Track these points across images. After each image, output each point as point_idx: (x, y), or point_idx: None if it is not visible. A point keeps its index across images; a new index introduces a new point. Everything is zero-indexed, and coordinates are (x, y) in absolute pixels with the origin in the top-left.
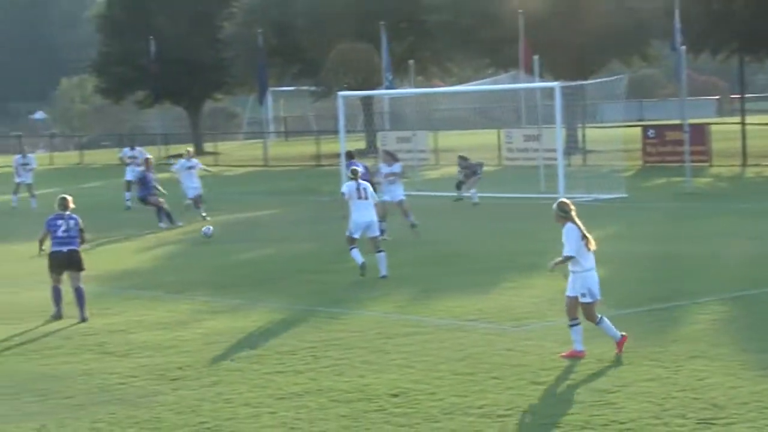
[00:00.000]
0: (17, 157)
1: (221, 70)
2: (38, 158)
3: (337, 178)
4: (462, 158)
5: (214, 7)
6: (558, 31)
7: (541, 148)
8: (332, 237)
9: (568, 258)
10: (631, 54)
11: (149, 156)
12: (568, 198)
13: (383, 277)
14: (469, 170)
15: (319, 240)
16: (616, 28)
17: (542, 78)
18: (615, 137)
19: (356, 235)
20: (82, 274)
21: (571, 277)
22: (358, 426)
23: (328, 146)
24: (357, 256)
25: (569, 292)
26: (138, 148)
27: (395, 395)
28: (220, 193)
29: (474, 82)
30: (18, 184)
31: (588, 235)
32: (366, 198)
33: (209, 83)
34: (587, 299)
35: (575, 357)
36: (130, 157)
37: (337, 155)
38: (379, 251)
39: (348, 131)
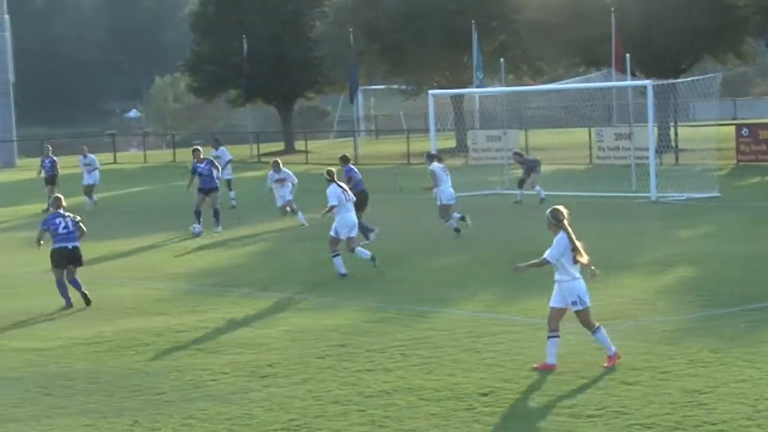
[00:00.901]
0: (80, 158)
1: (312, 68)
2: (132, 156)
3: (427, 178)
4: (517, 155)
5: (305, 6)
6: (650, 28)
7: (632, 147)
8: (422, 236)
9: (544, 262)
10: (725, 52)
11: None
12: (660, 197)
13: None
14: (526, 166)
15: (409, 238)
16: (710, 26)
17: (634, 76)
18: (708, 136)
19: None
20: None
21: (556, 288)
22: (447, 425)
23: (418, 144)
24: (363, 252)
25: (553, 303)
26: (222, 148)
27: (485, 394)
28: (311, 191)
29: (565, 81)
30: (85, 187)
31: (579, 247)
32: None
33: (300, 82)
34: (579, 307)
35: (547, 369)
36: (215, 157)
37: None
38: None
39: (438, 130)
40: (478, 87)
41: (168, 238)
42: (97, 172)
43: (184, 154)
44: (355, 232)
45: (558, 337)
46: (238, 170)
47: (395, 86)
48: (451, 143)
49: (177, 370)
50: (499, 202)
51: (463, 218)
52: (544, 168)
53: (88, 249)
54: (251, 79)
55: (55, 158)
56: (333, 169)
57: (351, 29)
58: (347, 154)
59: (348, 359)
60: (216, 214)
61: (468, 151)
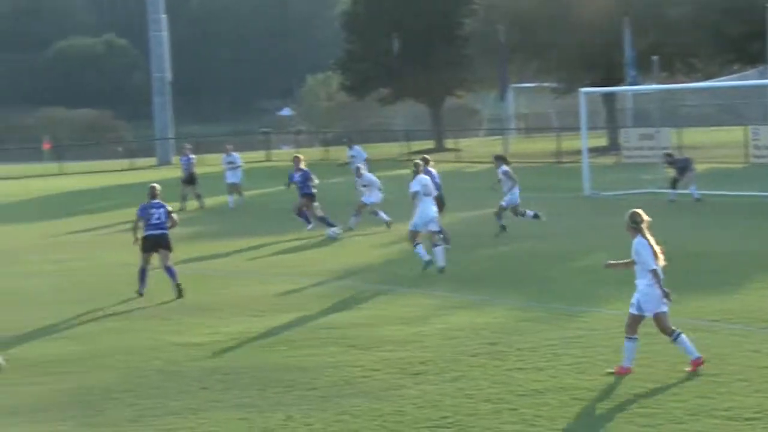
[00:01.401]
0: (223, 156)
1: (462, 66)
2: (285, 154)
3: (578, 175)
4: (668, 155)
5: (455, 4)
6: None
7: None
8: (573, 234)
9: (654, 272)
10: None
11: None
12: None
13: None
14: (679, 166)
15: (561, 237)
16: None
17: None
18: None
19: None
20: (171, 254)
21: (637, 291)
22: (599, 425)
23: (569, 143)
24: (421, 252)
25: (645, 312)
26: (356, 147)
27: (638, 394)
28: (461, 189)
29: (720, 78)
30: (229, 185)
31: (657, 249)
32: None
33: (451, 80)
34: (633, 310)
35: (624, 373)
36: (350, 157)
37: (578, 152)
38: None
39: (589, 128)
40: (630, 85)
41: (319, 234)
42: (240, 170)
43: (337, 152)
44: (434, 226)
45: (681, 333)
46: (386, 167)
47: (546, 84)
48: (603, 141)
49: (330, 366)
50: (653, 201)
51: (536, 216)
52: (698, 166)
53: (241, 245)
54: (401, 77)
55: (192, 157)
56: (420, 161)
57: (501, 26)
58: (426, 156)
59: (499, 358)
60: (302, 214)
61: (620, 150)
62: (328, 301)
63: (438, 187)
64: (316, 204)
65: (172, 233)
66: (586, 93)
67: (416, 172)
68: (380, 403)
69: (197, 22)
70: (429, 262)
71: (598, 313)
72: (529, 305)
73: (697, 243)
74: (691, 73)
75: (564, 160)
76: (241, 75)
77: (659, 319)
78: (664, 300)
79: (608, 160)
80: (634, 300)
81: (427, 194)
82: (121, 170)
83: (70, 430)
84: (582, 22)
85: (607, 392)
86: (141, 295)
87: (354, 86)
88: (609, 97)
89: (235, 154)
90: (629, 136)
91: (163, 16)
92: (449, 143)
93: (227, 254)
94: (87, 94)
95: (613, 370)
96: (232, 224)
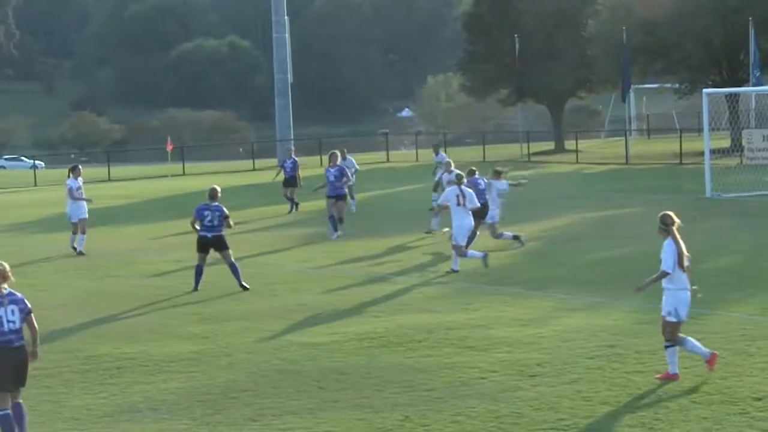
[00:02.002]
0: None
1: (585, 67)
2: (404, 155)
3: (700, 177)
4: None
5: (579, 5)
6: None
7: None
8: (694, 236)
9: (665, 274)
10: None
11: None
12: None
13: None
14: None
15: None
16: None
17: None
18: None
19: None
20: (230, 251)
21: (664, 295)
22: (719, 429)
23: (691, 144)
24: (475, 254)
25: (663, 312)
26: (441, 153)
27: (758, 399)
28: (581, 190)
29: None
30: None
31: (685, 252)
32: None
33: (572, 81)
34: (672, 318)
35: (669, 379)
36: (437, 163)
37: (700, 153)
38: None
39: (712, 129)
40: (754, 85)
41: (441, 235)
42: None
43: (455, 153)
44: (470, 234)
45: (688, 338)
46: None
47: (668, 85)
48: (725, 143)
49: (447, 367)
50: None
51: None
52: None
53: (362, 246)
54: (523, 77)
55: (297, 159)
56: (462, 173)
57: (624, 27)
58: (473, 168)
59: (617, 360)
60: (340, 220)
61: (743, 151)
62: (445, 303)
63: (482, 195)
64: (342, 204)
65: (294, 232)
66: (709, 94)
67: (458, 183)
68: (497, 405)
69: (319, 23)
70: (485, 256)
71: (719, 316)
72: (649, 307)
73: None
74: None
75: (686, 161)
76: (362, 76)
77: (670, 324)
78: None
79: (731, 161)
80: (670, 308)
81: (458, 205)
82: (243, 171)
83: (189, 429)
84: (706, 22)
85: (727, 396)
86: (196, 290)
87: (475, 87)
88: (732, 98)
89: (351, 158)
90: (752, 137)
91: (286, 18)
92: (569, 144)
93: (348, 255)
94: (210, 96)
95: (659, 376)
96: (353, 225)
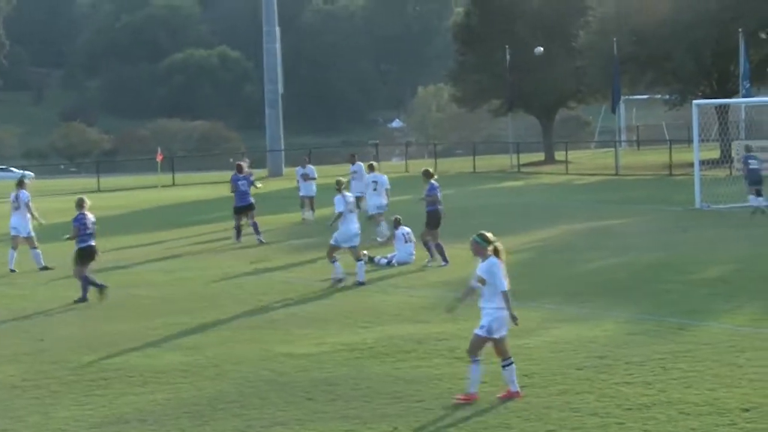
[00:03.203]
0: (298, 168)
1: (575, 78)
2: (394, 166)
3: (689, 188)
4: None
5: (570, 16)
6: None
7: None
8: (684, 247)
9: (506, 294)
10: None
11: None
12: None
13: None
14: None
15: (670, 250)
16: None
17: None
18: None
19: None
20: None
21: (482, 313)
22: None
23: (680, 155)
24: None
25: (494, 334)
26: (358, 163)
27: (747, 410)
28: (571, 201)
29: None
30: (302, 198)
31: (506, 274)
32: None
33: (563, 91)
34: (481, 332)
35: (512, 397)
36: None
37: (690, 164)
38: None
39: (701, 140)
40: (744, 96)
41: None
42: (313, 183)
43: (445, 164)
44: (356, 241)
45: (512, 363)
46: (496, 179)
47: (658, 96)
48: (715, 154)
49: (436, 378)
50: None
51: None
52: None
53: (345, 256)
54: (514, 88)
55: (251, 173)
56: (342, 179)
57: (615, 38)
58: (429, 169)
59: (606, 371)
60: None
61: (732, 162)
62: (434, 313)
63: (439, 201)
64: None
65: (282, 243)
66: (699, 105)
67: (338, 189)
68: (485, 416)
69: (310, 34)
70: (340, 281)
71: (708, 326)
72: (638, 318)
73: None
74: None
75: (675, 172)
76: (352, 86)
77: (503, 341)
78: (513, 323)
79: (720, 172)
80: (484, 322)
81: (350, 211)
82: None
83: None
84: (696, 33)
85: (715, 407)
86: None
87: (465, 97)
88: (722, 109)
89: (311, 167)
90: (742, 148)
91: (277, 29)
92: (559, 155)
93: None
94: (201, 106)
95: (458, 398)
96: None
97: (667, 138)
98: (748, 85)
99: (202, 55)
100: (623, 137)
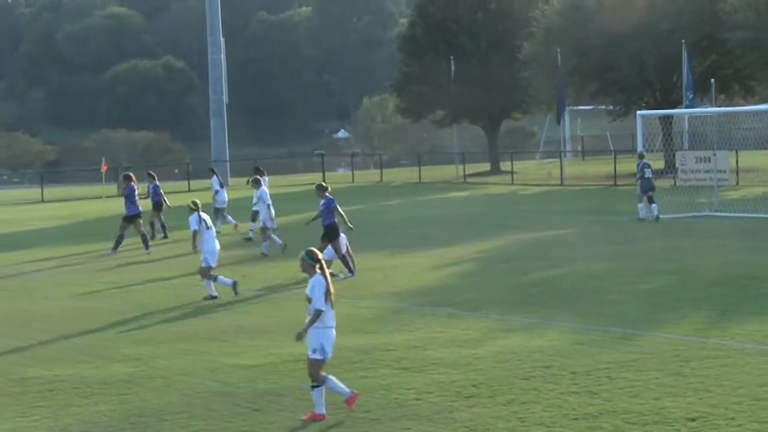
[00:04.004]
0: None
1: (519, 89)
2: (340, 176)
3: (634, 198)
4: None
5: (513, 27)
6: None
7: None
8: (628, 257)
9: (319, 312)
10: None
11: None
12: None
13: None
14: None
15: (615, 260)
16: None
17: None
18: None
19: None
20: None
21: (311, 333)
22: None
23: (625, 166)
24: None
25: (330, 354)
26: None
27: (692, 419)
28: (516, 211)
29: None
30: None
31: (332, 289)
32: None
33: (507, 102)
34: (318, 355)
35: (318, 419)
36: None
37: (635, 175)
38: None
39: (646, 150)
40: (687, 107)
41: (377, 257)
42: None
43: (391, 174)
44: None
45: (327, 380)
46: (441, 190)
47: (603, 107)
48: (659, 164)
49: (383, 389)
50: (713, 225)
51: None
52: (756, 189)
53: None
54: (458, 99)
55: (158, 184)
56: (198, 200)
57: (559, 49)
58: (323, 183)
59: (553, 381)
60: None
61: (676, 173)
62: (381, 324)
63: (329, 215)
64: (139, 222)
65: (229, 254)
66: (643, 115)
67: (194, 209)
68: (432, 426)
69: (255, 44)
70: (214, 297)
71: (652, 336)
72: (583, 328)
73: (750, 267)
74: (749, 96)
75: (620, 182)
76: (298, 97)
77: (313, 362)
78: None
79: (664, 182)
80: (315, 345)
81: (208, 229)
82: (179, 192)
83: None
84: (639, 44)
85: (661, 416)
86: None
87: (410, 108)
88: (666, 120)
89: (214, 178)
90: (686, 159)
91: (221, 39)
92: (505, 165)
93: (284, 276)
94: (145, 116)
95: (305, 418)
96: (288, 247)
97: (612, 148)
98: (691, 95)
99: (146, 65)
100: (568, 147)
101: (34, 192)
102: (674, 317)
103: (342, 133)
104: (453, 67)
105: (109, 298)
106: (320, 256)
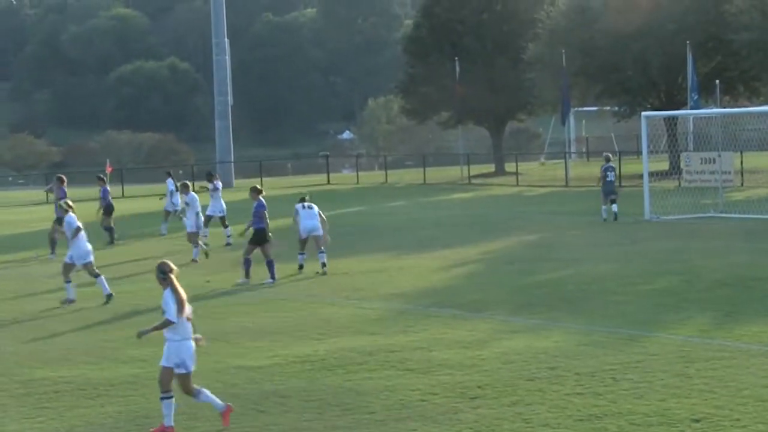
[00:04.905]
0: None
1: (524, 90)
2: (345, 177)
3: (639, 200)
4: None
5: (519, 28)
6: None
7: None
8: (633, 258)
9: (168, 323)
10: None
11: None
12: None
13: None
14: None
15: (620, 261)
16: None
17: None
18: None
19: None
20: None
21: (166, 346)
22: None
23: (629, 167)
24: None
25: (164, 362)
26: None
27: (697, 420)
28: (521, 212)
29: None
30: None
31: (185, 301)
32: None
33: (512, 103)
34: (181, 371)
35: None
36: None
37: (639, 176)
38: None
39: (650, 152)
40: (692, 108)
41: (381, 258)
42: (168, 196)
43: (396, 176)
44: (90, 258)
45: (172, 397)
46: (446, 191)
47: (607, 108)
48: (664, 165)
49: (387, 390)
50: (718, 226)
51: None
52: (761, 191)
53: (296, 269)
54: (463, 100)
55: (108, 188)
56: (71, 202)
57: (564, 51)
58: (258, 186)
59: (557, 382)
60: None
61: (681, 174)
62: (387, 325)
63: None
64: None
65: (233, 255)
66: (648, 117)
67: (68, 210)
68: (437, 427)
69: (260, 46)
70: (71, 301)
71: (657, 337)
72: (589, 329)
73: (758, 268)
74: (754, 97)
75: (625, 184)
76: (303, 98)
77: (182, 377)
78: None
79: (669, 184)
80: (177, 359)
81: (82, 230)
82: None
83: None
84: (644, 46)
85: (666, 417)
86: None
87: (415, 110)
88: (670, 121)
89: (170, 180)
90: (690, 160)
91: (226, 40)
92: (510, 167)
93: (287, 278)
94: (150, 118)
95: (153, 431)
96: (291, 248)
97: (617, 150)
98: (696, 96)
99: (151, 66)
100: (573, 149)
101: (38, 193)
102: (679, 318)
103: (347, 135)
104: (458, 68)
105: (114, 298)
106: (172, 267)
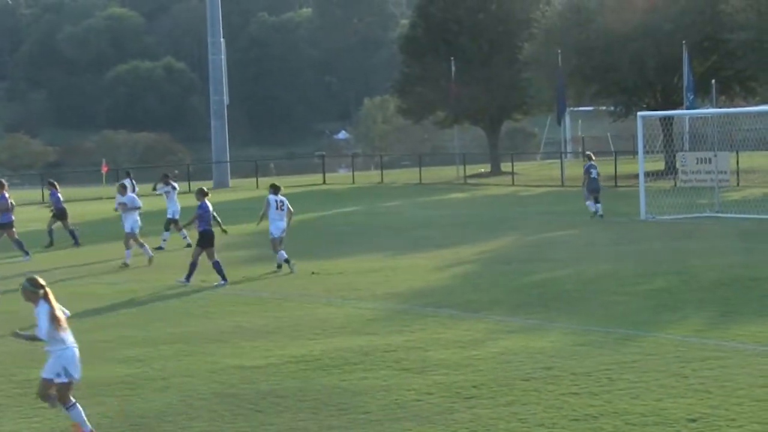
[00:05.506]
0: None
1: (520, 90)
2: (340, 177)
3: (634, 200)
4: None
5: (514, 28)
6: None
7: None
8: (629, 258)
9: (38, 339)
10: None
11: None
12: None
13: None
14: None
15: (617, 261)
16: None
17: None
18: None
19: None
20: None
21: (47, 357)
22: None
23: (626, 167)
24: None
25: (44, 374)
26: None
27: (693, 420)
28: (517, 212)
29: None
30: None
31: (60, 314)
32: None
33: (508, 103)
34: (62, 379)
35: None
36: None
37: (635, 176)
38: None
39: (646, 152)
40: (688, 108)
41: (377, 258)
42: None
43: (392, 175)
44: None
45: (75, 404)
46: (441, 191)
47: (603, 108)
48: (660, 165)
49: (383, 390)
50: (714, 226)
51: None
52: (757, 191)
53: (298, 268)
54: (459, 100)
55: (58, 192)
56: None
57: (560, 50)
58: (204, 188)
59: (553, 382)
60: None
61: (677, 174)
62: (383, 325)
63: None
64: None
65: (229, 256)
66: (644, 116)
67: None
68: (433, 427)
69: (255, 45)
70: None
71: (653, 337)
72: (584, 329)
73: (755, 268)
74: (750, 97)
75: (620, 184)
76: (298, 98)
77: (61, 386)
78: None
79: (665, 184)
80: (58, 370)
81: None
82: (179, 193)
83: None
84: (640, 45)
85: (662, 417)
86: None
87: (411, 109)
88: (666, 121)
89: (128, 180)
90: (686, 160)
91: (222, 40)
92: (505, 166)
93: (283, 277)
94: (146, 117)
95: None
96: (288, 247)
97: (612, 149)
98: (692, 96)
99: (147, 66)
100: (569, 149)
101: (34, 193)
102: (675, 318)
103: (343, 134)
104: (454, 68)
105: (108, 299)
106: (42, 282)
